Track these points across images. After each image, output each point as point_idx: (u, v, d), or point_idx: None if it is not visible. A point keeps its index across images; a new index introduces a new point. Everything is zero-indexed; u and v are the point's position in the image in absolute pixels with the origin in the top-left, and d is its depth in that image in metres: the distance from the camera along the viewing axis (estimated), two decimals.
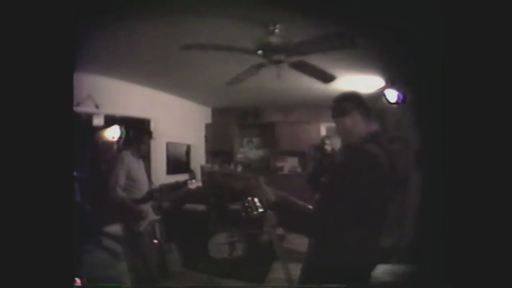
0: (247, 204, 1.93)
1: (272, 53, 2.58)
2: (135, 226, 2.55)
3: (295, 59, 2.69)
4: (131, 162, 2.62)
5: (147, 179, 2.81)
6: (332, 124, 1.55)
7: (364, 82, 3.76)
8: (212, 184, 5.49)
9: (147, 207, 2.63)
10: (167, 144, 5.16)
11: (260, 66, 2.78)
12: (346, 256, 1.30)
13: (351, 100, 1.48)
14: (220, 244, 3.72)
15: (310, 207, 1.42)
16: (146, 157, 3.64)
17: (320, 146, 4.20)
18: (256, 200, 1.92)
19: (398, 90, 3.47)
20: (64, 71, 1.36)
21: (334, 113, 1.49)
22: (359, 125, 1.43)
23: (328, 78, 3.06)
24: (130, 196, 2.57)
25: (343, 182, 1.31)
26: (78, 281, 1.85)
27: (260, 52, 2.56)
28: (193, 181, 5.33)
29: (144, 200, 2.61)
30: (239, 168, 6.42)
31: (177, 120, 5.36)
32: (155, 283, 2.72)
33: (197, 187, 5.22)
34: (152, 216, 2.67)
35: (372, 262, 1.39)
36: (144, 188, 2.66)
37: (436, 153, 1.40)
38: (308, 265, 1.46)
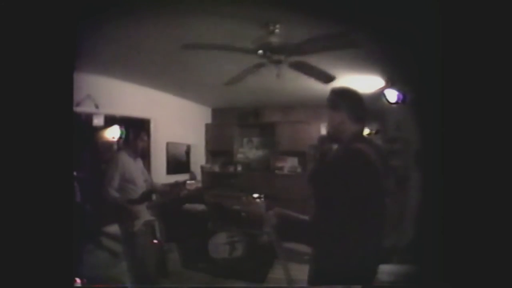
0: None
1: (272, 53, 2.57)
2: (129, 226, 2.54)
3: (295, 59, 2.69)
4: (127, 163, 2.61)
5: (147, 179, 2.80)
6: None
7: (364, 82, 3.76)
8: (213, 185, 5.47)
9: (142, 207, 2.62)
10: (167, 144, 5.16)
11: (260, 66, 2.77)
12: (348, 258, 1.29)
13: (341, 97, 1.46)
14: (220, 244, 3.72)
15: (306, 217, 1.43)
16: (146, 157, 3.64)
17: (318, 145, 4.20)
18: (255, 195, 1.93)
19: (398, 90, 3.47)
20: (64, 71, 1.36)
21: (327, 105, 1.46)
22: (346, 123, 1.41)
23: (328, 78, 3.06)
24: (127, 197, 2.56)
25: (337, 184, 1.29)
26: (78, 281, 1.86)
27: (260, 52, 2.56)
28: (193, 181, 5.33)
29: (140, 200, 2.60)
30: (239, 168, 6.41)
31: (177, 120, 5.37)
32: (155, 283, 2.71)
33: (197, 188, 5.22)
34: (147, 217, 2.66)
35: (375, 263, 1.39)
36: (141, 188, 2.65)
37: (436, 153, 1.40)
38: (314, 267, 1.46)
